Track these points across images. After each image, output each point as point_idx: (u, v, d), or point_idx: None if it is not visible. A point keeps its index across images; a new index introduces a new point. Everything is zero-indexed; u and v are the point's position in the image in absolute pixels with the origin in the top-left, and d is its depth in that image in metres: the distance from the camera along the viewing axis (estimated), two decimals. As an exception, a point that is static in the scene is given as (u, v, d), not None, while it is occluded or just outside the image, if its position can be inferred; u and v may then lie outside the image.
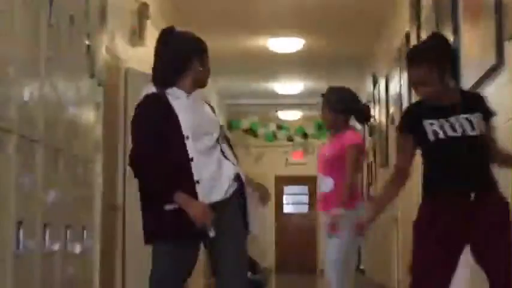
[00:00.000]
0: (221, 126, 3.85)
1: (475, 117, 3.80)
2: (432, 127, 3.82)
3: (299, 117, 15.89)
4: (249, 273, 11.89)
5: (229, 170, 3.71)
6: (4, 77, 3.27)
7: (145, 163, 3.62)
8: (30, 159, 3.61)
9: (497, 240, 3.76)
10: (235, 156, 3.84)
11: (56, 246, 3.97)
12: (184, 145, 3.61)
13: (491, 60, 4.77)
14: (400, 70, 8.95)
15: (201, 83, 3.82)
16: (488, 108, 3.90)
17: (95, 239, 4.95)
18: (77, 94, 4.44)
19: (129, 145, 7.04)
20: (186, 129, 3.62)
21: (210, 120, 3.78)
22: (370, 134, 11.38)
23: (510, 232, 3.79)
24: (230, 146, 3.85)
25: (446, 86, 3.88)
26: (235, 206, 3.74)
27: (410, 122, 3.92)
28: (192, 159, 3.60)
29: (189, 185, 3.58)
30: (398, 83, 9.09)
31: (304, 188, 17.63)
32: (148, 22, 7.85)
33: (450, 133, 3.79)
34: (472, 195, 3.76)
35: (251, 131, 15.51)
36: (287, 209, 17.79)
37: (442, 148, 3.83)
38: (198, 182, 3.60)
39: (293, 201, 17.95)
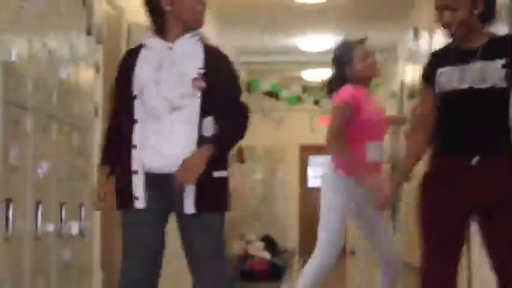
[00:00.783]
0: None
1: (493, 66, 3.75)
2: (440, 77, 3.81)
3: (327, 77, 15.83)
4: (269, 256, 11.93)
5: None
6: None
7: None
8: (19, 127, 3.63)
9: (502, 214, 3.76)
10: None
11: (50, 227, 4.00)
12: (131, 105, 3.61)
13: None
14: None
15: (186, 23, 3.70)
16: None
17: (94, 218, 4.98)
18: (72, 53, 4.45)
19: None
20: (136, 86, 3.62)
21: (177, 80, 3.63)
22: (410, 97, 11.34)
23: None
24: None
25: (475, 21, 3.83)
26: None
27: (428, 70, 3.93)
28: (136, 121, 3.60)
29: (126, 149, 3.60)
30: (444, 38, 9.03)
31: (333, 159, 17.61)
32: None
33: (456, 85, 3.77)
34: (475, 159, 3.75)
35: (272, 94, 15.49)
36: (312, 182, 17.77)
37: (445, 102, 3.82)
38: (135, 147, 3.60)
39: (320, 174, 17.92)
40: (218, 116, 3.62)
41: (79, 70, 4.59)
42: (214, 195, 3.62)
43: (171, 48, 3.65)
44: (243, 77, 15.32)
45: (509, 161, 3.80)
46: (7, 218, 3.45)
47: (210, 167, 3.56)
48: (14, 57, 3.54)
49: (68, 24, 4.41)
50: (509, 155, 3.80)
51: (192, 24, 3.72)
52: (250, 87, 15.36)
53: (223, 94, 3.65)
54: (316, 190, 5.93)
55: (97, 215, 5.13)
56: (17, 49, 3.58)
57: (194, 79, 3.60)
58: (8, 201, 3.46)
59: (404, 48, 12.35)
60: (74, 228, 4.40)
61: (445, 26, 3.85)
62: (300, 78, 15.75)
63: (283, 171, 16.41)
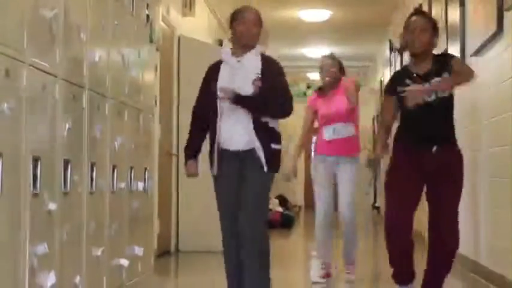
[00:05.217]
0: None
1: (445, 76, 3.86)
2: (404, 94, 3.90)
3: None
4: (282, 209, 11.94)
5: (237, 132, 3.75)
6: (78, 42, 3.31)
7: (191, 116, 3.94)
8: (100, 111, 3.65)
9: (449, 184, 3.89)
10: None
11: (123, 185, 4.03)
12: (216, 103, 3.75)
13: (492, 28, 4.71)
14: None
15: (238, 43, 3.84)
16: (451, 62, 3.90)
17: (153, 180, 5.00)
18: (138, 57, 4.46)
19: (181, 101, 7.07)
20: (219, 90, 3.75)
21: (240, 83, 3.76)
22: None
23: (461, 179, 3.92)
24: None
25: (431, 49, 3.94)
26: (250, 160, 3.73)
27: (393, 86, 4.00)
28: (221, 114, 3.75)
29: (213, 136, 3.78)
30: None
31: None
32: (198, -4, 7.80)
33: (426, 98, 3.87)
34: (434, 148, 3.87)
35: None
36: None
37: (416, 111, 3.89)
38: (218, 132, 3.75)
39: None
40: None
41: (143, 70, 4.60)
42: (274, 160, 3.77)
43: (238, 61, 3.83)
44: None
45: (454, 148, 3.95)
46: (91, 178, 3.48)
47: (270, 141, 3.74)
48: (96, 60, 3.56)
49: (135, 36, 4.42)
50: (456, 145, 3.97)
51: (239, 44, 3.84)
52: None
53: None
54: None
55: (155, 178, 5.16)
56: (99, 54, 3.60)
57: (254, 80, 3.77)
58: (92, 165, 3.48)
59: (382, 56, 12.29)
60: (140, 186, 4.41)
61: (419, 43, 3.91)
62: (306, 78, 15.74)
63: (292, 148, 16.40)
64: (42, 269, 2.81)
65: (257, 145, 3.70)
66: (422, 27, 3.89)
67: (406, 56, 5.86)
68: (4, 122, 2.49)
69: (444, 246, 3.94)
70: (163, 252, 6.84)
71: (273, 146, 3.75)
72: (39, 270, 2.78)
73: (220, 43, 9.47)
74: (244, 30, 3.79)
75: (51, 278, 2.85)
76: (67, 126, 3.11)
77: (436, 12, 7.07)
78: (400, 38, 4.00)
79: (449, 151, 3.94)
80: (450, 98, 3.95)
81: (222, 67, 3.84)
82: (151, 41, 4.84)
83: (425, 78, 3.89)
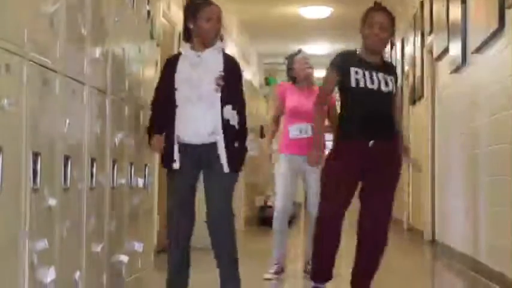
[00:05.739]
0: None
1: (390, 79, 3.91)
2: (356, 75, 3.89)
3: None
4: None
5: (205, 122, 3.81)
6: (78, 37, 3.30)
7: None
8: (101, 107, 3.65)
9: (384, 183, 3.88)
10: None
11: (123, 181, 4.02)
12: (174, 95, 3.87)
13: (494, 25, 4.70)
14: (414, 34, 8.84)
15: (200, 39, 3.90)
16: (397, 75, 4.07)
17: (153, 176, 5.00)
18: (139, 53, 4.45)
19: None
20: (176, 82, 3.86)
21: (200, 78, 3.84)
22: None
23: (397, 178, 3.91)
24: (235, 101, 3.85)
25: (385, 47, 4.10)
26: (214, 153, 3.79)
27: (341, 63, 3.99)
28: (177, 106, 3.84)
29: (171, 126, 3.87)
30: (413, 46, 8.98)
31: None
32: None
33: (368, 84, 3.87)
34: (371, 142, 3.86)
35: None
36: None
37: (358, 95, 3.91)
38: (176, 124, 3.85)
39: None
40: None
41: (144, 66, 4.59)
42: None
43: (198, 56, 3.89)
44: (263, 73, 15.28)
45: (393, 146, 3.97)
46: (92, 173, 3.47)
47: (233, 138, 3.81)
48: (97, 55, 3.55)
49: (136, 31, 4.41)
50: (394, 142, 3.98)
51: (203, 41, 3.91)
52: (267, 81, 15.34)
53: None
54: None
55: (155, 174, 5.15)
56: (100, 49, 3.60)
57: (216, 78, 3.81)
58: (93, 160, 3.47)
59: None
60: (140, 182, 4.40)
61: (378, 41, 3.96)
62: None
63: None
64: (42, 264, 2.80)
65: (218, 139, 3.72)
66: (381, 25, 3.93)
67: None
68: (4, 117, 2.49)
69: (374, 243, 3.94)
70: (163, 249, 6.83)
71: (236, 144, 3.76)
72: (39, 266, 2.78)
73: (221, 39, 9.45)
74: (209, 27, 3.81)
75: (51, 274, 2.84)
76: (67, 121, 3.10)
77: (438, 9, 7.05)
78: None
79: (389, 145, 3.94)
80: (390, 94, 3.97)
81: (181, 60, 3.90)
82: (152, 37, 4.83)
83: (375, 68, 3.95)
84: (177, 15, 7.42)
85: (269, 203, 10.82)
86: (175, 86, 3.85)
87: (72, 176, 3.15)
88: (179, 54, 3.99)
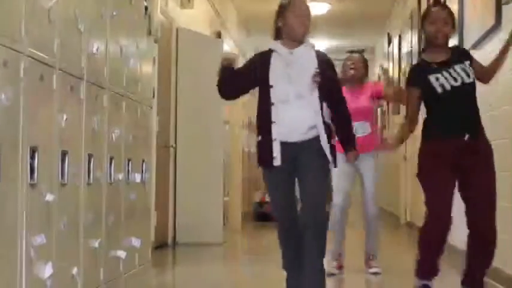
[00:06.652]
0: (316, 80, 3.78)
1: (466, 64, 3.88)
2: (438, 81, 3.85)
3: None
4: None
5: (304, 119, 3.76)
6: (76, 33, 3.30)
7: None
8: (98, 102, 3.64)
9: (482, 173, 3.87)
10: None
11: (120, 176, 4.02)
12: (268, 92, 3.76)
13: (491, 21, 4.70)
14: (411, 30, 8.84)
15: (290, 37, 3.85)
16: (469, 53, 4.03)
17: (151, 172, 5.00)
18: (137, 49, 4.45)
19: (179, 92, 7.02)
20: (271, 79, 3.76)
21: (297, 75, 3.77)
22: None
23: (493, 168, 3.90)
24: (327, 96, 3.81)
25: (448, 41, 3.98)
26: (313, 149, 3.75)
27: (417, 77, 3.96)
28: (273, 104, 3.74)
29: (268, 125, 3.76)
30: (410, 42, 8.98)
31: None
32: (196, -12, 7.78)
33: (453, 83, 3.84)
34: (466, 136, 3.84)
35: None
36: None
37: (447, 98, 3.86)
38: (274, 122, 3.73)
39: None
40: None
41: (142, 61, 4.59)
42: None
43: (290, 53, 3.83)
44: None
45: (486, 138, 3.94)
46: (89, 169, 3.47)
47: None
48: (94, 51, 3.55)
49: (134, 27, 4.41)
50: (485, 134, 3.95)
51: (291, 38, 3.85)
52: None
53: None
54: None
55: (153, 170, 5.15)
56: (97, 45, 3.59)
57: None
58: (90, 156, 3.47)
59: (381, 49, 12.29)
60: (137, 178, 4.40)
61: (441, 36, 3.91)
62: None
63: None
64: (40, 260, 2.81)
65: (320, 133, 3.73)
66: (445, 20, 3.91)
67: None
68: (1, 112, 2.49)
69: (483, 240, 3.94)
70: (160, 244, 6.85)
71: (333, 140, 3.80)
72: (37, 261, 2.78)
73: (219, 35, 9.45)
74: (299, 24, 3.80)
75: (48, 269, 2.85)
76: (65, 117, 3.10)
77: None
78: (423, 29, 3.99)
79: (481, 139, 3.93)
80: (474, 82, 3.93)
81: (274, 57, 3.82)
82: (149, 32, 4.82)
83: (447, 64, 3.89)
84: (175, 11, 7.41)
85: (266, 199, 10.82)
86: (271, 83, 3.76)
87: (70, 172, 3.15)
88: (270, 51, 3.87)
